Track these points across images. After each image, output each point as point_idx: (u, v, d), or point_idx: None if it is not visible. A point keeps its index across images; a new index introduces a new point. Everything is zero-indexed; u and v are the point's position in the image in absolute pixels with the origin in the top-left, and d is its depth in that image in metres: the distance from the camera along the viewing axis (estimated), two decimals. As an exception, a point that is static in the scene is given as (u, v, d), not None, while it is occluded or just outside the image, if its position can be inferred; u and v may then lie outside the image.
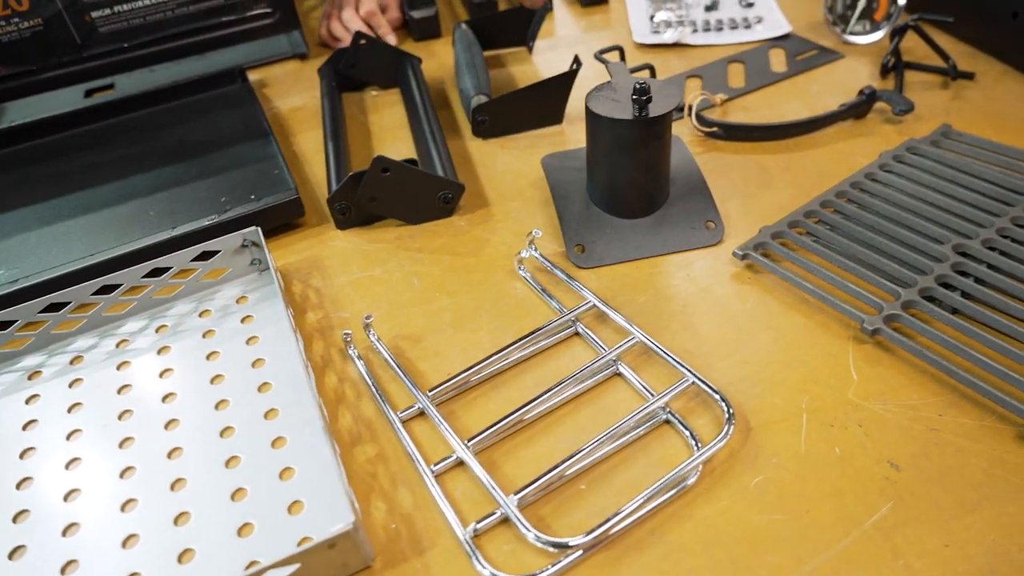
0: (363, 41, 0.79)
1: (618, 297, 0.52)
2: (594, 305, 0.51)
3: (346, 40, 0.88)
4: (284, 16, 0.88)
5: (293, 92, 0.86)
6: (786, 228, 0.54)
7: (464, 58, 0.75)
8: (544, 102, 0.70)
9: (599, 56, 0.71)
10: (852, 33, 0.80)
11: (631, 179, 0.56)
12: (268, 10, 0.87)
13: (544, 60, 0.85)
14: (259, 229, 0.57)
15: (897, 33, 0.73)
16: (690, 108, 0.68)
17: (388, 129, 0.76)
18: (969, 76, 0.70)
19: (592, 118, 0.54)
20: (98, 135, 0.81)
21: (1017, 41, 0.70)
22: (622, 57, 0.72)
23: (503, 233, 0.60)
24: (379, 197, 0.59)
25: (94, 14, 0.80)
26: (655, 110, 0.51)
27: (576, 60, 0.69)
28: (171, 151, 0.75)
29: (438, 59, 0.88)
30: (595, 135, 0.55)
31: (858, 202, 0.56)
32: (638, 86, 0.50)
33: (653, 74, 0.68)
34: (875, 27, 0.79)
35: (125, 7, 0.81)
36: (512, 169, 0.67)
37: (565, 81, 0.69)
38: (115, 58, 0.84)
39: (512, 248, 0.58)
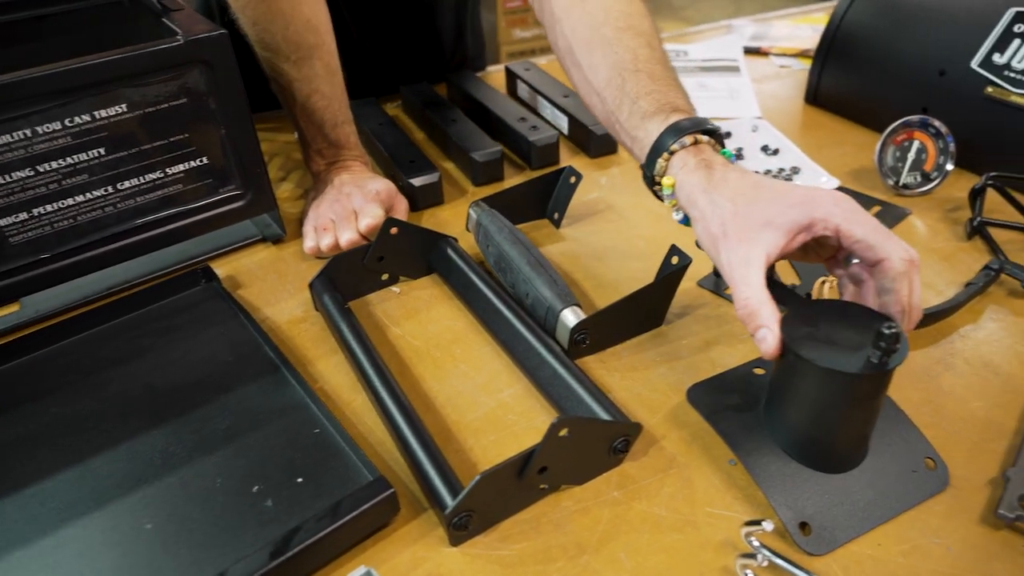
0: (394, 229, 0.63)
1: (889, 602, 0.40)
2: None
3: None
4: (257, 197, 0.70)
5: (281, 293, 0.67)
6: (1035, 469, 0.45)
7: (519, 254, 0.62)
8: (647, 306, 0.58)
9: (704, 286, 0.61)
10: (904, 186, 0.75)
11: (858, 433, 0.44)
12: (238, 192, 0.69)
13: (576, 233, 0.73)
14: (374, 572, 0.39)
15: (978, 194, 0.69)
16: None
17: (444, 345, 0.60)
18: (1055, 233, 0.67)
19: (806, 369, 0.42)
20: (8, 385, 0.57)
21: (1087, 194, 0.69)
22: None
23: (677, 501, 0.46)
24: (550, 467, 0.44)
25: (2, 222, 0.58)
26: (898, 357, 0.40)
27: (677, 252, 0.57)
28: (135, 407, 0.54)
29: (443, 229, 0.73)
30: (810, 388, 0.43)
31: (1080, 418, 0.48)
32: (887, 332, 0.39)
33: (772, 269, 0.58)
34: (926, 178, 0.75)
35: (48, 208, 0.60)
36: (635, 394, 0.54)
37: (673, 280, 0.58)
38: (29, 274, 0.61)
39: (696, 523, 0.44)
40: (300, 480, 0.47)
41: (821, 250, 0.48)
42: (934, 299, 0.61)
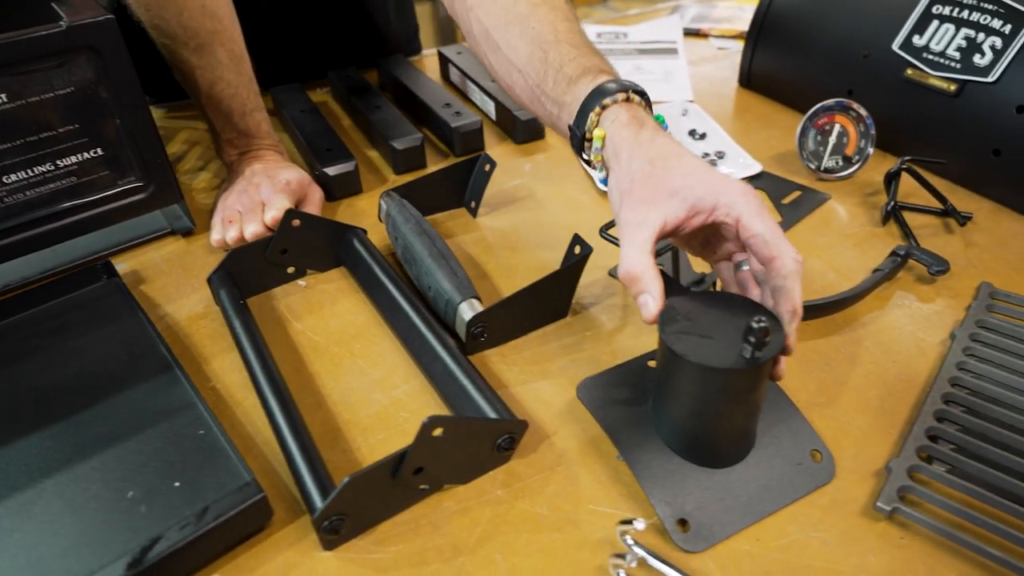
0: (296, 221, 0.61)
1: (761, 599, 0.39)
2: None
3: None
4: (160, 189, 0.68)
5: (185, 288, 0.65)
6: (917, 459, 0.45)
7: (423, 245, 0.60)
8: (549, 298, 0.57)
9: (605, 234, 0.60)
10: (826, 170, 0.75)
11: (737, 428, 0.44)
12: (139, 183, 0.67)
13: (493, 222, 0.72)
14: (228, 583, 0.38)
15: (892, 178, 0.68)
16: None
17: (344, 340, 0.58)
18: (969, 216, 0.67)
19: (680, 364, 0.41)
20: None
21: (1003, 178, 0.68)
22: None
23: (560, 499, 0.45)
24: (426, 467, 0.43)
25: None
26: (769, 351, 0.40)
27: (579, 241, 0.56)
28: (17, 411, 0.52)
29: (360, 220, 0.71)
30: (686, 383, 0.42)
31: (972, 409, 0.48)
32: (756, 326, 0.38)
33: (676, 258, 0.58)
34: (847, 162, 0.75)
35: (-74, 205, 0.57)
36: (531, 388, 0.53)
37: (574, 271, 0.57)
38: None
39: (577, 521, 0.44)
40: (178, 484, 0.46)
41: (716, 245, 0.48)
42: (844, 286, 0.60)
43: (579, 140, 0.52)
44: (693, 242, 0.50)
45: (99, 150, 0.63)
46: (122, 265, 0.68)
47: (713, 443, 0.44)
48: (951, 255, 0.62)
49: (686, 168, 0.46)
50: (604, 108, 0.50)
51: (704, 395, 0.42)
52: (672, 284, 0.46)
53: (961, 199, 0.70)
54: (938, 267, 0.60)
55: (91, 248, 0.70)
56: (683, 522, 0.43)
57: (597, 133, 0.50)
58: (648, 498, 0.43)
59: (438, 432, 0.42)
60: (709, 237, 0.48)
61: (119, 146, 0.64)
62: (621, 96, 0.50)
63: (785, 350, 0.42)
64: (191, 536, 0.41)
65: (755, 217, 0.44)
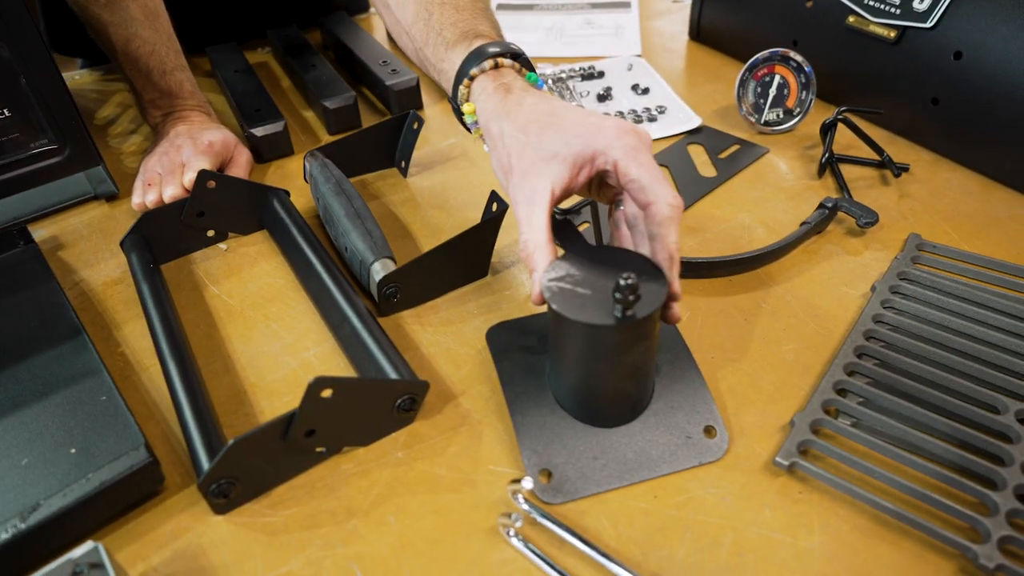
0: (212, 183, 0.59)
1: (650, 555, 0.39)
2: (634, 584, 0.37)
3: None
4: (76, 151, 0.65)
5: (104, 254, 0.63)
6: (823, 414, 0.44)
7: (340, 205, 0.58)
8: (466, 256, 0.56)
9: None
10: (767, 123, 0.73)
11: (612, 388, 0.43)
12: (53, 146, 0.64)
13: (424, 182, 0.70)
14: (101, 548, 0.37)
15: (828, 129, 0.66)
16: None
17: (259, 304, 0.57)
18: (905, 168, 0.65)
19: (558, 320, 0.40)
20: None
21: (941, 127, 0.67)
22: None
23: (461, 460, 0.44)
24: (318, 429, 0.42)
25: None
26: (643, 309, 0.38)
27: (496, 198, 0.55)
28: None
29: (290, 181, 0.69)
30: (563, 338, 0.41)
31: (884, 361, 0.47)
32: (623, 283, 0.37)
33: (596, 212, 0.56)
34: (789, 114, 0.73)
35: None
36: (443, 348, 0.52)
37: (490, 228, 0.55)
38: None
39: (475, 481, 0.43)
40: (74, 451, 0.45)
41: (606, 189, 0.46)
42: (772, 240, 0.59)
43: (457, 112, 0.50)
44: (584, 190, 0.48)
45: (6, 111, 0.61)
46: (42, 231, 0.66)
47: (590, 401, 0.43)
48: (884, 207, 0.61)
49: (561, 124, 0.44)
50: (472, 79, 0.48)
51: (577, 351, 0.41)
52: (575, 233, 0.45)
53: (900, 150, 0.69)
54: (867, 219, 0.58)
55: (11, 213, 0.68)
56: (547, 473, 0.42)
57: (467, 108, 0.48)
58: (519, 446, 0.43)
59: (327, 394, 0.41)
60: (597, 181, 0.47)
61: (28, 107, 0.62)
62: (488, 64, 0.48)
63: (672, 296, 0.41)
64: (73, 501, 0.40)
65: (631, 162, 0.42)
